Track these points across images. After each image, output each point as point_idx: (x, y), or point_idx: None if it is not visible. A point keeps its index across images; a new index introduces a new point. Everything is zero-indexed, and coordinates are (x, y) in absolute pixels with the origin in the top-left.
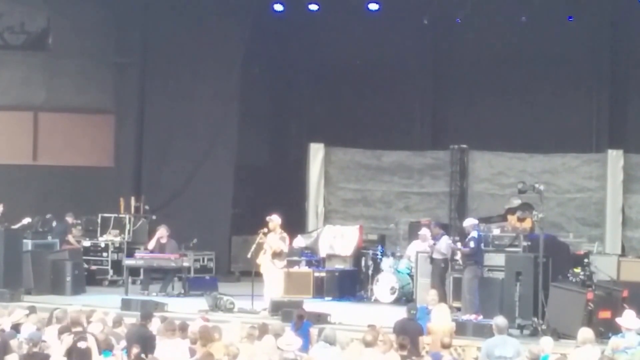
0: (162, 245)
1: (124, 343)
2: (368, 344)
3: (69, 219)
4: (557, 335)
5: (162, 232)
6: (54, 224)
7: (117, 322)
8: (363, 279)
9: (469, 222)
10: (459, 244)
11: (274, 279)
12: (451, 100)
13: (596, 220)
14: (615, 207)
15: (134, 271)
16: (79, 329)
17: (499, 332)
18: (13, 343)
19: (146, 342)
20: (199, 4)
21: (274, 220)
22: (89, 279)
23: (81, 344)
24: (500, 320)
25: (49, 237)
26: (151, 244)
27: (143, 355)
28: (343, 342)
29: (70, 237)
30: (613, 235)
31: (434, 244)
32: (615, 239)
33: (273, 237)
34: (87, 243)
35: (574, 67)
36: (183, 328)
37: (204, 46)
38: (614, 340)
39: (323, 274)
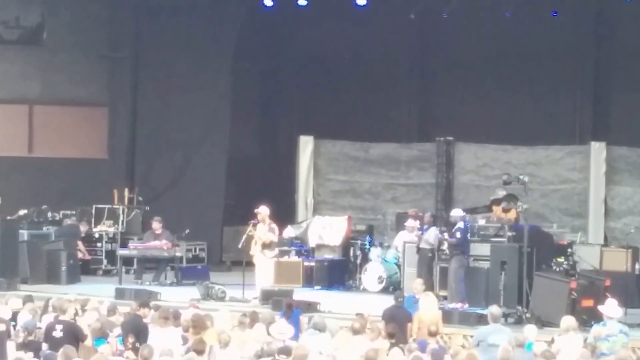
0: (157, 235)
1: (118, 331)
2: (356, 332)
3: (82, 228)
4: (541, 323)
5: (155, 226)
6: (49, 214)
7: (112, 311)
8: (351, 269)
9: (455, 212)
10: (445, 235)
11: (264, 268)
12: (437, 93)
13: (579, 211)
14: (598, 198)
15: (127, 261)
16: (65, 317)
17: (493, 321)
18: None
19: (141, 332)
20: None
21: (262, 211)
22: (84, 269)
23: (55, 333)
24: (494, 310)
25: (44, 228)
26: (147, 237)
27: (138, 344)
28: (332, 330)
29: (80, 245)
30: (596, 225)
31: (422, 234)
32: (598, 229)
33: (262, 228)
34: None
35: (557, 61)
36: (176, 316)
37: (195, 41)
38: (596, 329)
39: (312, 264)
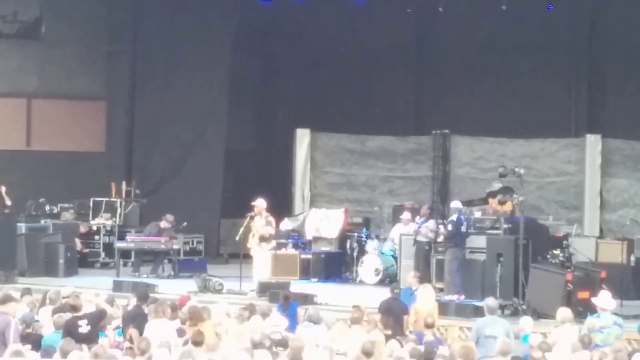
0: (161, 229)
1: (116, 323)
2: (354, 323)
3: (82, 228)
4: (537, 315)
5: (164, 225)
6: (47, 207)
7: (109, 303)
8: (348, 261)
9: (454, 204)
10: (441, 227)
11: (261, 261)
12: (434, 86)
13: (575, 203)
14: (593, 191)
15: (125, 253)
16: (79, 313)
17: (489, 313)
18: None
19: (142, 323)
20: None
21: (259, 204)
22: (81, 262)
23: (82, 329)
24: (491, 301)
25: (42, 221)
26: (151, 228)
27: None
28: (329, 322)
29: (78, 241)
30: (591, 217)
31: (419, 227)
32: (594, 221)
33: (259, 221)
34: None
35: (553, 55)
36: (173, 309)
37: (193, 34)
38: (590, 320)
39: (309, 256)
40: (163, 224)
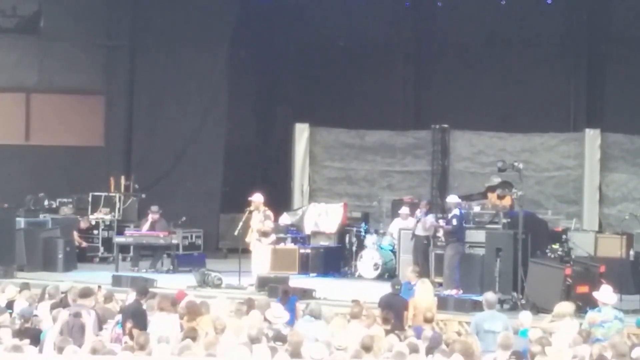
0: (153, 223)
1: (116, 318)
2: (354, 317)
3: (83, 223)
4: (536, 309)
5: (154, 216)
6: (46, 202)
7: (109, 298)
8: (347, 256)
9: (452, 199)
10: (441, 222)
11: (260, 255)
12: (433, 80)
13: (574, 197)
14: (592, 185)
15: (124, 248)
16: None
17: (488, 307)
18: (4, 318)
19: (140, 318)
20: None
21: (256, 199)
22: (80, 256)
23: (80, 318)
24: (490, 296)
25: (41, 216)
26: (145, 227)
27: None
28: (327, 316)
29: (76, 235)
30: (590, 212)
31: (418, 221)
32: (593, 215)
33: (257, 216)
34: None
35: (552, 49)
36: (174, 303)
37: (191, 29)
38: (591, 315)
39: (308, 251)
40: (152, 217)
